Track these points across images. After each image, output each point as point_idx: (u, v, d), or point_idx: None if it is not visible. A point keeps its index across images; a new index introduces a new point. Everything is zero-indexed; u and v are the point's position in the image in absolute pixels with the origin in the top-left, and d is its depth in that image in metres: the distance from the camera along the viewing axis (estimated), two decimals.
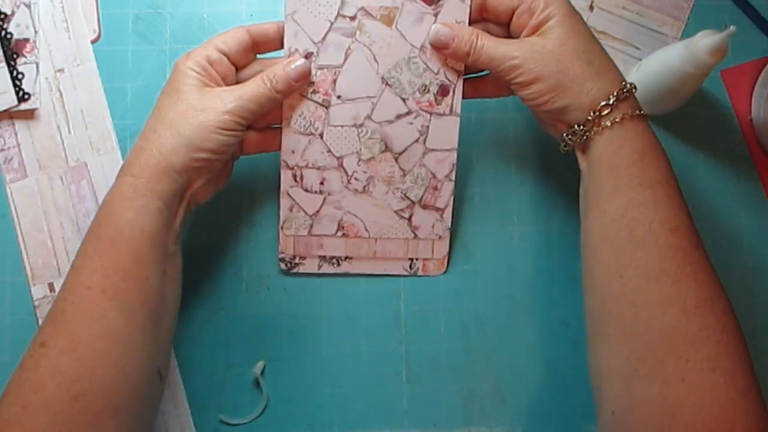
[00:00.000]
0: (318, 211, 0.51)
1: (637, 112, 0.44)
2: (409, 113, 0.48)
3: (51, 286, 0.53)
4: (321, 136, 0.49)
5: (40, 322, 0.53)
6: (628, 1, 0.57)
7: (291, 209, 0.51)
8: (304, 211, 0.51)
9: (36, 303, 0.53)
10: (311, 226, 0.51)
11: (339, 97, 0.48)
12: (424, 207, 0.51)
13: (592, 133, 0.44)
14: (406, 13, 0.47)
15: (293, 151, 0.49)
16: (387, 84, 0.48)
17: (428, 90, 0.48)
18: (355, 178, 0.50)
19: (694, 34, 0.47)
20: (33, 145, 0.54)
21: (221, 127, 0.43)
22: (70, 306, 0.40)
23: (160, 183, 0.42)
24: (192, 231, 0.54)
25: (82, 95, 0.55)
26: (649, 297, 0.40)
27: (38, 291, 0.53)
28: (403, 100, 0.48)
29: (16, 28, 0.55)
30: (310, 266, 0.53)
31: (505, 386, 0.53)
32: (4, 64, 0.54)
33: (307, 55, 0.47)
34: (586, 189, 0.45)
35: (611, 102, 0.43)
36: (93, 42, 0.56)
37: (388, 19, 0.47)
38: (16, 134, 0.54)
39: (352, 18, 0.47)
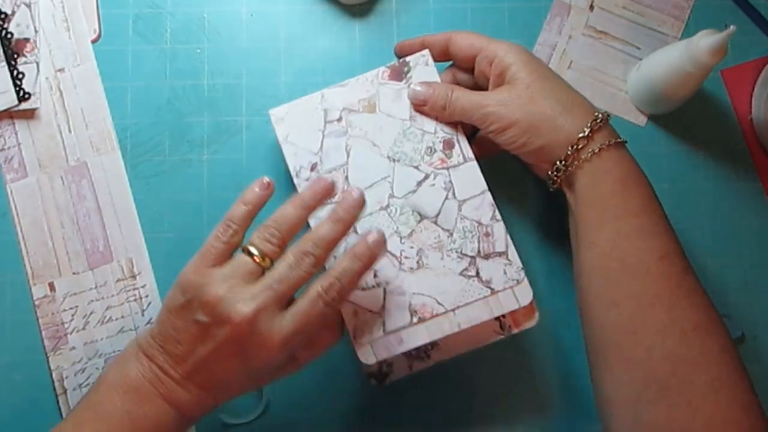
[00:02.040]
0: (383, 305, 0.47)
1: (615, 140, 0.44)
2: (426, 177, 0.48)
3: (51, 286, 0.53)
4: (356, 231, 0.47)
5: (40, 322, 0.53)
6: (628, 0, 0.57)
7: (356, 314, 0.47)
8: (370, 310, 0.47)
9: (36, 303, 0.53)
10: (383, 324, 0.47)
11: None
12: (486, 257, 0.48)
13: (574, 167, 0.44)
14: (383, 96, 0.49)
15: (335, 257, 0.46)
16: (394, 160, 0.48)
17: (434, 150, 0.48)
18: (405, 257, 0.47)
19: (694, 34, 0.48)
20: (33, 145, 0.54)
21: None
22: None
23: (209, 409, 0.43)
24: (193, 231, 0.54)
25: (82, 95, 0.55)
26: (646, 325, 0.41)
27: (38, 290, 0.53)
28: (416, 167, 0.48)
29: (16, 28, 0.55)
30: (399, 370, 0.50)
31: (507, 386, 0.53)
32: (4, 63, 0.54)
33: (312, 167, 0.48)
34: (575, 223, 0.46)
35: (586, 133, 0.44)
36: (93, 42, 0.56)
37: (371, 107, 0.49)
38: (16, 134, 0.55)
39: (339, 120, 0.49)
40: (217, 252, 0.42)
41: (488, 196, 0.48)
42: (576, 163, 0.44)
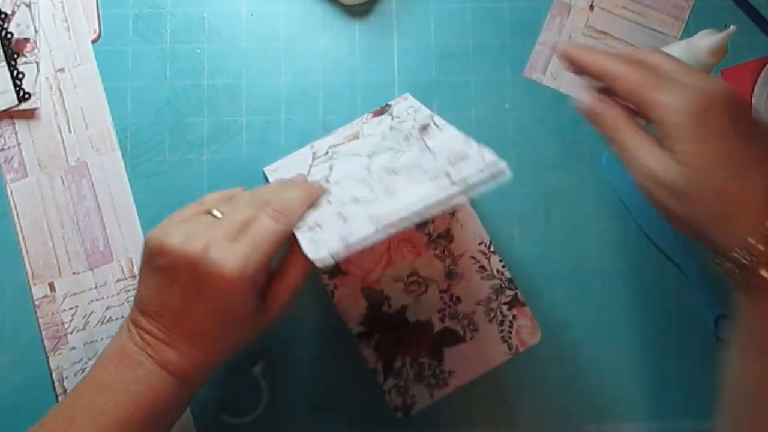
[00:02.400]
0: (343, 218, 0.45)
1: None
2: (402, 151, 0.46)
3: (51, 286, 0.53)
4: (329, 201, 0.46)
5: (40, 322, 0.53)
6: (628, 1, 0.57)
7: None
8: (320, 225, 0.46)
9: (36, 302, 0.53)
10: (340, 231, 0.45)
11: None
12: (455, 162, 0.43)
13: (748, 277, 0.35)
14: (367, 128, 0.51)
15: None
16: (374, 154, 0.47)
17: (411, 135, 0.48)
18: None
19: (694, 34, 0.48)
20: (33, 145, 0.54)
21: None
22: None
23: (204, 379, 0.43)
24: None
25: (82, 95, 0.55)
26: None
27: (38, 290, 0.53)
28: (392, 149, 0.47)
29: (16, 28, 0.55)
30: (422, 399, 0.51)
31: (507, 386, 0.53)
32: (4, 63, 0.54)
33: None
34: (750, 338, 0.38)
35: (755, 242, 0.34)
36: (93, 42, 0.56)
37: (354, 137, 0.50)
38: (16, 134, 0.55)
39: (325, 153, 0.50)
40: (181, 214, 0.43)
41: (460, 134, 0.45)
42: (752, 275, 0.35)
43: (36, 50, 0.55)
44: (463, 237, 0.53)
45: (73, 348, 0.53)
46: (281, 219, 0.41)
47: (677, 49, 0.49)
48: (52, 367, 0.52)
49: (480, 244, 0.53)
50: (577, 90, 0.56)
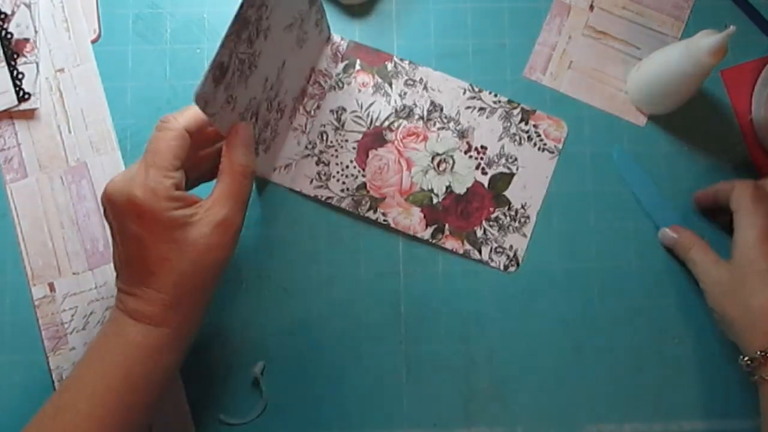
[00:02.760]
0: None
1: None
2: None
3: (51, 286, 0.53)
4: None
5: (40, 322, 0.53)
6: (628, 1, 0.57)
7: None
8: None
9: (36, 303, 0.53)
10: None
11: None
12: None
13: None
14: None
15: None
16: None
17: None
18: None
19: (694, 34, 0.48)
20: (33, 145, 0.54)
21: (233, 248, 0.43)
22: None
23: (193, 327, 0.44)
24: None
25: (82, 95, 0.55)
26: None
27: (38, 291, 0.53)
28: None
29: (16, 28, 0.55)
30: (519, 244, 0.54)
31: (505, 386, 0.53)
32: (4, 64, 0.54)
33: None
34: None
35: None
36: (93, 42, 0.56)
37: None
38: (16, 134, 0.54)
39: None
40: None
41: None
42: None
43: (36, 50, 0.55)
44: (448, 97, 0.56)
45: (73, 348, 0.53)
46: (163, 125, 0.42)
47: (677, 49, 0.49)
48: (52, 367, 0.52)
49: (464, 93, 0.56)
50: (576, 90, 0.56)
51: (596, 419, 0.53)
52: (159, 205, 0.40)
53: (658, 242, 0.54)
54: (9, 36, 0.54)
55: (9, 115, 0.54)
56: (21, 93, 0.54)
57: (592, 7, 0.57)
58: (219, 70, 0.40)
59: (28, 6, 0.55)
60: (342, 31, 0.56)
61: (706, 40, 0.46)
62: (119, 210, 0.41)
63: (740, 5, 0.57)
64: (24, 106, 0.54)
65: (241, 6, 0.40)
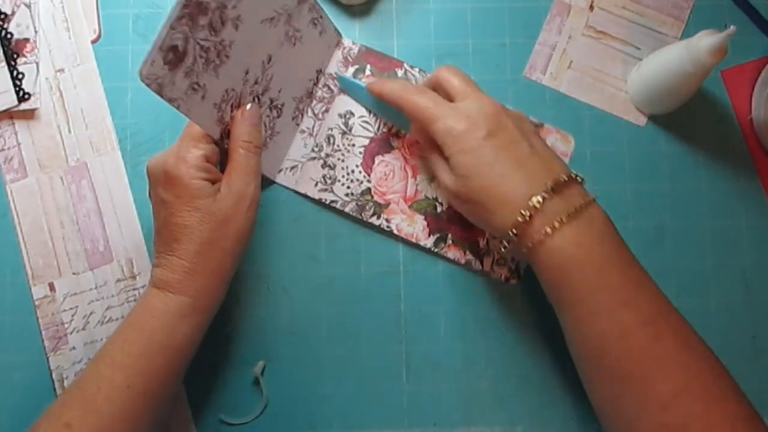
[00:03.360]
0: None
1: (558, 220, 0.43)
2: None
3: (51, 286, 0.53)
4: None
5: (40, 322, 0.53)
6: (628, 1, 0.57)
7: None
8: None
9: (36, 303, 0.53)
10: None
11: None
12: None
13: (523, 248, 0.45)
14: None
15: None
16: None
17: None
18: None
19: (694, 34, 0.48)
20: (33, 145, 0.54)
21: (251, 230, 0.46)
22: (105, 400, 0.42)
23: (213, 300, 0.46)
24: None
25: (82, 95, 0.55)
26: (623, 403, 0.42)
27: (38, 291, 0.53)
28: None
29: (16, 28, 0.55)
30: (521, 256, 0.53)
31: (505, 386, 0.53)
32: (4, 64, 0.54)
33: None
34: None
35: (512, 234, 0.44)
36: (93, 42, 0.56)
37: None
38: (16, 134, 0.55)
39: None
40: None
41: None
42: (525, 245, 0.44)
43: (36, 50, 0.55)
44: None
45: (74, 348, 0.53)
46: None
47: (677, 49, 0.49)
48: (52, 367, 0.52)
49: None
50: (576, 90, 0.56)
51: (596, 419, 0.52)
52: (187, 172, 0.44)
53: (658, 246, 0.54)
54: (9, 36, 0.54)
55: (9, 115, 0.54)
56: (21, 93, 0.54)
57: (592, 7, 0.57)
58: (172, 53, 0.40)
59: (28, 6, 0.55)
60: (342, 31, 0.56)
61: (706, 40, 0.46)
62: (154, 180, 0.45)
63: (740, 5, 0.57)
64: (24, 106, 0.54)
65: None
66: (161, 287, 0.44)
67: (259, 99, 0.49)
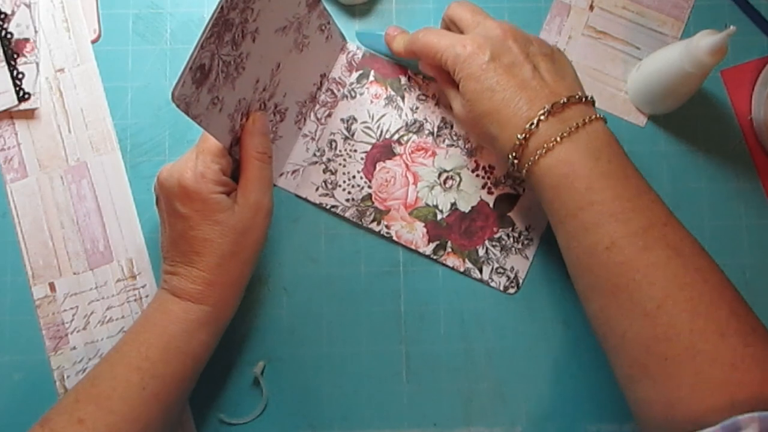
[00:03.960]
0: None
1: (560, 135, 0.43)
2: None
3: (52, 286, 0.53)
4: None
5: (40, 322, 0.53)
6: (628, 1, 0.57)
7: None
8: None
9: (36, 303, 0.53)
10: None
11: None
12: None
13: (522, 166, 0.45)
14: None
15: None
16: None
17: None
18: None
19: (694, 34, 0.47)
20: (33, 145, 0.54)
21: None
22: (120, 399, 0.43)
23: (231, 308, 0.47)
24: None
25: (82, 95, 0.55)
26: (611, 315, 0.42)
27: (39, 291, 0.53)
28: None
29: (16, 28, 0.55)
30: (521, 266, 0.54)
31: (505, 386, 0.53)
32: (4, 63, 0.54)
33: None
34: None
35: (521, 139, 0.44)
36: (93, 42, 0.56)
37: None
38: (16, 134, 0.55)
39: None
40: None
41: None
42: (525, 162, 0.45)
43: (36, 50, 0.55)
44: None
45: (74, 348, 0.53)
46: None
47: (677, 49, 0.49)
48: (53, 367, 0.52)
49: None
50: None
51: (596, 419, 0.53)
52: (207, 187, 0.44)
53: None
54: (9, 36, 0.54)
55: (9, 115, 0.54)
56: (21, 93, 0.54)
57: (592, 7, 0.57)
58: (200, 72, 0.40)
59: (28, 6, 0.55)
60: (342, 30, 0.56)
61: (706, 40, 0.46)
62: (169, 193, 0.45)
63: (740, 5, 0.57)
64: (24, 106, 0.54)
65: (220, 9, 0.40)
66: (181, 296, 0.45)
67: (265, 105, 0.49)
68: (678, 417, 0.39)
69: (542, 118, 0.43)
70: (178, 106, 0.40)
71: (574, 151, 0.43)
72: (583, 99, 0.45)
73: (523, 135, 0.43)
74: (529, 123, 0.43)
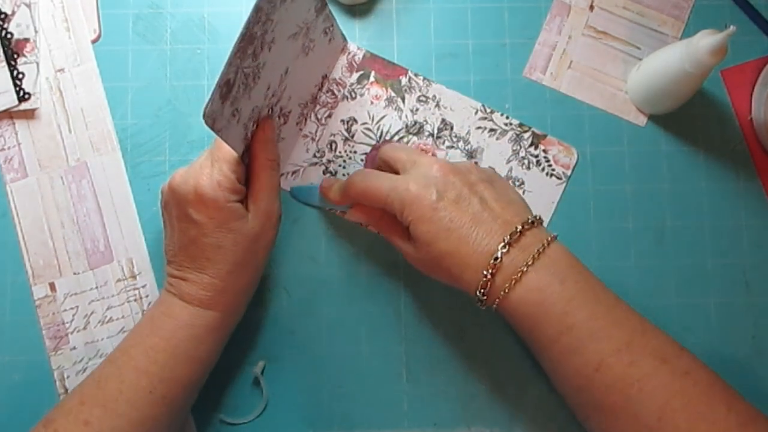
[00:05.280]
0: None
1: (523, 266, 0.43)
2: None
3: (52, 286, 0.53)
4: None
5: (41, 322, 0.53)
6: (628, 0, 0.57)
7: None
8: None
9: (37, 303, 0.53)
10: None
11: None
12: None
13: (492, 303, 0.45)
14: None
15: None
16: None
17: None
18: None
19: (694, 34, 0.47)
20: (33, 145, 0.54)
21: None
22: (127, 402, 0.43)
23: (239, 313, 0.48)
24: None
25: (82, 95, 0.55)
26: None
27: (39, 291, 0.53)
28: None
29: (16, 28, 0.55)
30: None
31: (505, 386, 0.53)
32: (4, 63, 0.54)
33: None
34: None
35: (480, 290, 0.44)
36: (93, 42, 0.56)
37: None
38: (16, 134, 0.55)
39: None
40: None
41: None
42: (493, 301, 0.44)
43: (36, 50, 0.55)
44: (460, 116, 0.55)
45: (74, 348, 0.53)
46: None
47: (677, 49, 0.49)
48: (53, 367, 0.52)
49: (476, 113, 0.55)
50: (576, 90, 0.56)
51: None
52: (223, 196, 0.44)
53: (658, 246, 0.54)
54: (9, 36, 0.54)
55: (9, 115, 0.54)
56: (21, 93, 0.54)
57: (592, 7, 0.57)
58: (226, 87, 0.41)
59: (28, 6, 0.55)
60: (343, 31, 0.56)
61: (706, 40, 0.46)
62: (183, 199, 0.44)
63: (740, 5, 0.57)
64: (24, 106, 0.54)
65: (247, 24, 0.40)
66: (190, 302, 0.45)
67: (272, 110, 0.49)
68: None
69: (504, 250, 0.43)
70: (206, 123, 0.40)
71: (542, 277, 0.43)
72: (534, 222, 0.45)
73: (489, 270, 0.43)
74: (493, 257, 0.43)
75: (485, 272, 0.43)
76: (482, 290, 0.43)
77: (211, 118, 0.41)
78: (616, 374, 0.41)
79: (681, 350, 0.43)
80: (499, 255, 0.43)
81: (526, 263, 0.43)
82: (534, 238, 0.44)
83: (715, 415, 0.40)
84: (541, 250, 0.43)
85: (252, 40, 0.42)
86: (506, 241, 0.43)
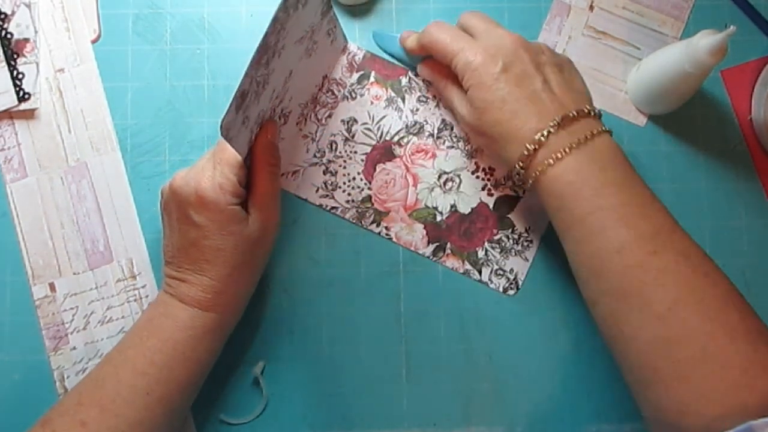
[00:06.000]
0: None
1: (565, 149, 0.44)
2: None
3: (52, 286, 0.53)
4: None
5: (40, 322, 0.53)
6: (628, 0, 0.57)
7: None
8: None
9: (37, 303, 0.53)
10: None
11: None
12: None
13: (529, 178, 0.46)
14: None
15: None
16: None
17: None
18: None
19: (694, 34, 0.47)
20: (33, 145, 0.54)
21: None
22: (124, 403, 0.43)
23: (238, 315, 0.48)
24: None
25: (82, 95, 0.55)
26: (621, 319, 0.42)
27: (39, 291, 0.53)
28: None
29: (16, 28, 0.55)
30: (521, 267, 0.54)
31: (505, 386, 0.53)
32: (4, 64, 0.54)
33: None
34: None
35: (519, 166, 0.45)
36: (93, 42, 0.56)
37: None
38: (16, 134, 0.55)
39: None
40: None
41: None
42: (532, 173, 0.45)
43: (36, 50, 0.55)
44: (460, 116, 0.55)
45: (74, 348, 0.53)
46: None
47: (677, 49, 0.49)
48: (53, 367, 0.52)
49: None
50: None
51: (596, 419, 0.53)
52: (225, 199, 0.44)
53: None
54: (9, 36, 0.54)
55: (9, 115, 0.54)
56: (21, 93, 0.54)
57: (592, 7, 0.57)
58: (241, 98, 0.41)
59: (28, 6, 0.55)
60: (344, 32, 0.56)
61: (706, 40, 0.46)
62: (184, 201, 0.44)
63: (740, 5, 0.57)
64: (24, 106, 0.54)
65: (266, 35, 0.41)
66: (189, 303, 0.45)
67: (274, 111, 0.49)
68: (690, 421, 0.39)
69: (552, 130, 0.44)
70: (222, 134, 0.40)
71: (582, 161, 0.44)
72: (591, 113, 0.45)
73: (533, 146, 0.44)
74: (539, 134, 0.44)
75: (528, 146, 0.44)
76: (521, 163, 0.45)
77: (227, 129, 0.41)
78: (637, 259, 0.41)
79: (706, 256, 0.43)
80: (545, 133, 0.44)
81: (570, 145, 0.43)
82: (585, 126, 0.45)
83: (726, 318, 0.40)
84: (588, 136, 0.44)
85: (267, 50, 0.42)
86: (556, 122, 0.44)
